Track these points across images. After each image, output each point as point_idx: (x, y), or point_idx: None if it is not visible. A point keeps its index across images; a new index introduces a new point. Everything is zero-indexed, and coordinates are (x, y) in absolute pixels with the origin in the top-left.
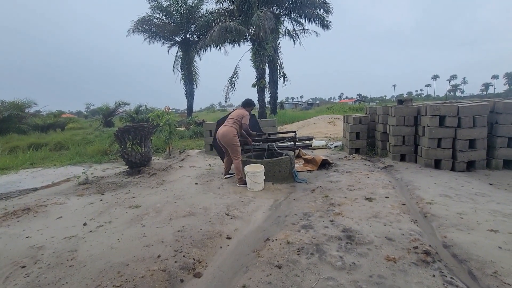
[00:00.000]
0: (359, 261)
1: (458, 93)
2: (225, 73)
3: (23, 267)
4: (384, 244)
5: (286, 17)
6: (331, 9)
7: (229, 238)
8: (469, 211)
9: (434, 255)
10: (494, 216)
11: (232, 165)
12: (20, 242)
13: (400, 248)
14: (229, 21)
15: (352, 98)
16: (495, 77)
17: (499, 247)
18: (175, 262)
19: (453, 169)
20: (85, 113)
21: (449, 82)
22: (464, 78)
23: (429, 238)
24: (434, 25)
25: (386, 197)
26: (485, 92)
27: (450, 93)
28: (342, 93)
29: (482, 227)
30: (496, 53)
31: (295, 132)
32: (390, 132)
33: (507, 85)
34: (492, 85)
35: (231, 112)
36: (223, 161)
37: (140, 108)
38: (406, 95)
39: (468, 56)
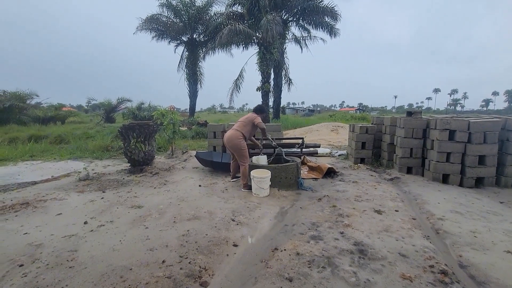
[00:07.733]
0: (373, 277)
1: (458, 108)
2: (227, 74)
3: (21, 265)
4: (398, 260)
5: (294, 23)
6: (339, 17)
7: (235, 245)
8: (482, 230)
9: (451, 276)
10: (509, 237)
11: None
12: (18, 239)
13: (415, 266)
14: (238, 24)
15: (353, 107)
16: (495, 93)
17: None
18: (181, 269)
19: (461, 184)
20: (86, 107)
21: (450, 96)
22: (465, 93)
23: (444, 257)
24: (430, 40)
25: (396, 211)
26: (485, 108)
27: (450, 107)
28: (343, 101)
29: (498, 248)
30: (494, 70)
31: (302, 138)
32: (398, 144)
33: (507, 102)
34: (493, 101)
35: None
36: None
37: (142, 106)
38: (407, 107)
39: (465, 72)
